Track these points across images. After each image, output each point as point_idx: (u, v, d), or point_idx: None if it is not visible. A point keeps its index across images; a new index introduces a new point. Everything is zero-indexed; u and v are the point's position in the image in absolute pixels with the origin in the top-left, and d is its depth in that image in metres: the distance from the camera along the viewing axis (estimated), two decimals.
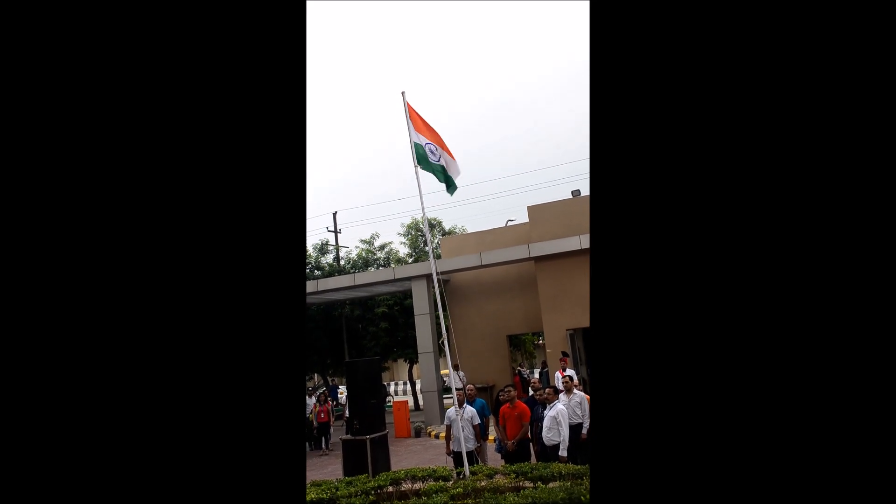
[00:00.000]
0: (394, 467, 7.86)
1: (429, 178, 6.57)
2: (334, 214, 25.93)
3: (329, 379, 22.30)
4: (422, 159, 6.37)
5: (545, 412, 7.04)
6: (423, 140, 6.39)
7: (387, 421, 9.11)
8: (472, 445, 7.00)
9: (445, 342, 6.70)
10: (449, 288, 16.39)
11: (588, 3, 1.88)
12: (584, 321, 14.03)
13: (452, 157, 6.59)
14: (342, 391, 18.97)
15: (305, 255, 20.54)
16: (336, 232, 25.37)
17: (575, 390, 7.69)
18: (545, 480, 4.87)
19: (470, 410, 7.26)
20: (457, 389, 7.31)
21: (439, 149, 6.49)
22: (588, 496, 4.12)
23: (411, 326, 16.64)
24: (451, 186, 6.59)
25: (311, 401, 13.86)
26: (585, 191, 16.36)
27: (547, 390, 7.31)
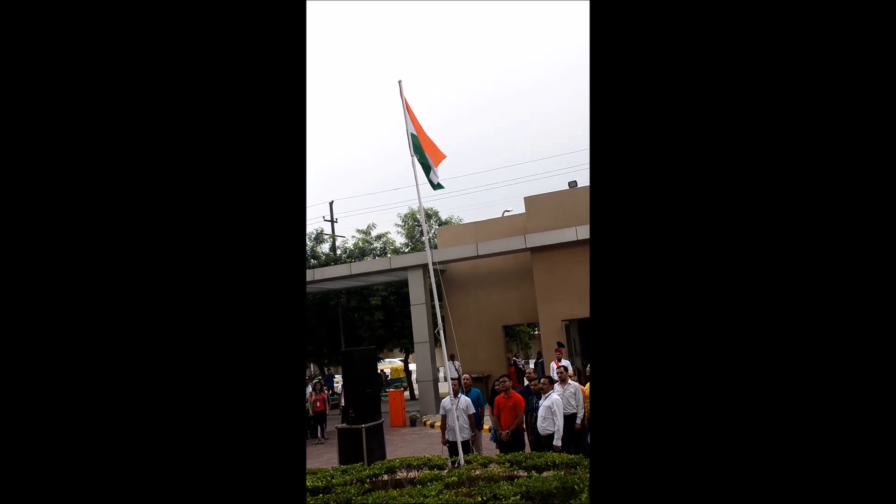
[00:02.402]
0: (389, 456, 7.90)
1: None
2: (331, 204, 25.86)
3: (325, 368, 22.34)
4: (417, 149, 6.35)
5: (540, 402, 7.08)
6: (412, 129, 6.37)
7: (382, 410, 9.14)
8: (467, 435, 7.04)
9: (441, 332, 6.71)
10: (445, 278, 16.39)
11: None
12: (580, 312, 14.07)
13: (434, 154, 6.50)
14: (338, 380, 19.01)
15: (305, 247, 20.50)
16: (332, 221, 25.33)
17: (569, 381, 7.73)
18: (539, 469, 4.91)
19: (465, 400, 7.30)
20: (452, 379, 7.34)
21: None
22: (581, 485, 4.16)
23: (407, 316, 16.66)
24: (434, 183, 6.51)
25: (307, 389, 13.91)
26: (582, 182, 16.36)
27: (542, 380, 7.34)
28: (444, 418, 7.32)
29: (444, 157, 6.50)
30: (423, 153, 6.38)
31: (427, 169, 6.43)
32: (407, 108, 6.37)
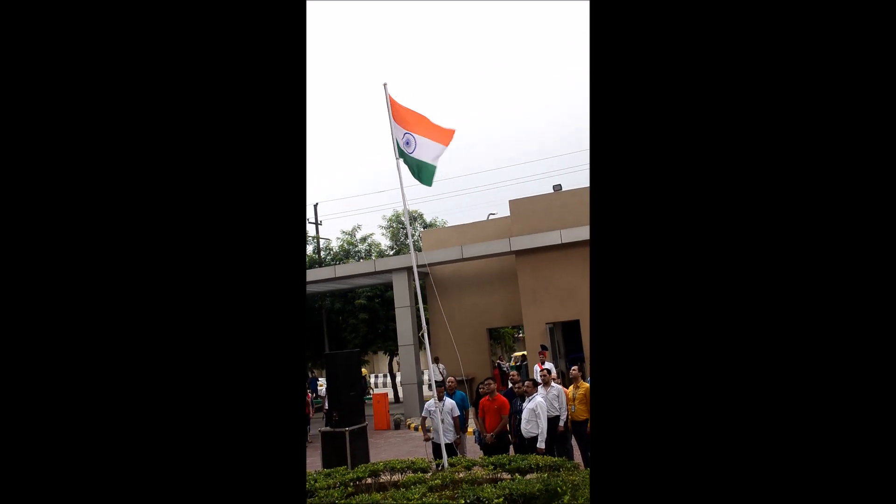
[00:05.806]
0: (373, 459, 7.87)
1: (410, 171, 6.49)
2: (315, 206, 25.75)
3: (309, 371, 22.21)
4: (402, 153, 6.32)
5: (524, 405, 7.10)
6: (400, 132, 6.31)
7: (366, 413, 9.11)
8: (451, 437, 7.04)
9: (425, 335, 6.71)
10: (430, 281, 16.39)
11: (588, 3, 1.88)
12: (564, 315, 14.13)
13: (440, 135, 6.32)
14: (322, 383, 18.90)
15: (305, 249, 20.32)
16: (317, 224, 25.20)
17: (552, 383, 7.77)
18: (522, 472, 4.92)
19: (449, 402, 7.31)
20: (436, 382, 7.34)
21: (416, 137, 6.31)
22: (564, 488, 4.18)
23: (392, 319, 16.61)
24: (425, 178, 6.39)
25: None
26: (567, 185, 16.45)
27: (526, 383, 7.37)
28: (424, 420, 7.31)
29: (453, 131, 6.33)
30: (409, 156, 6.32)
31: (415, 169, 6.35)
32: (394, 108, 6.32)
